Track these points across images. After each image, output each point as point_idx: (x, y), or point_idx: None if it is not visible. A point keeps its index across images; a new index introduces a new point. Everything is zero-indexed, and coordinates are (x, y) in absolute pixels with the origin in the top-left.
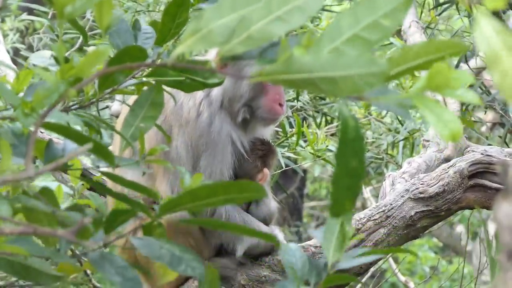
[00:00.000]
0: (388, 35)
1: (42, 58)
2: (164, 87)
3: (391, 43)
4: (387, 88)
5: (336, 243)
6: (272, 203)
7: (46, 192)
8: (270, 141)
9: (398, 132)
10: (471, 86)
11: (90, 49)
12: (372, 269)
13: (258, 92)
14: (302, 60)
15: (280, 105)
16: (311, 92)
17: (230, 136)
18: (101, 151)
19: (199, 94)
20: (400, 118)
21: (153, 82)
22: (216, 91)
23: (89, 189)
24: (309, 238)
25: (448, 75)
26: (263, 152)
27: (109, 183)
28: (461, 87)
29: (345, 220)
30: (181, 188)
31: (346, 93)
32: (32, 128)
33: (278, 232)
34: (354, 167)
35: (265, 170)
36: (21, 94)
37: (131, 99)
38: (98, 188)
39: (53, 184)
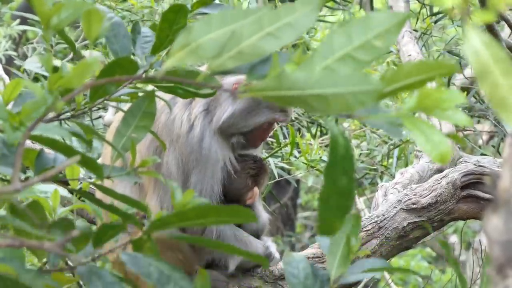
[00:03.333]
0: (380, 55)
1: (35, 63)
2: (161, 94)
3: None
4: (378, 106)
5: (341, 256)
6: (263, 215)
7: (34, 206)
8: (262, 160)
9: (393, 144)
10: (466, 93)
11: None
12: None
13: (260, 126)
14: (293, 77)
15: (261, 141)
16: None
17: (220, 153)
18: (89, 164)
19: (197, 108)
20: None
21: (147, 89)
22: (224, 115)
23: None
24: (303, 248)
25: (438, 96)
26: (254, 171)
27: (99, 194)
28: (451, 108)
29: (352, 234)
30: (170, 204)
31: (337, 111)
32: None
33: (270, 244)
34: (343, 186)
35: (255, 189)
36: (11, 104)
37: (126, 107)
38: (89, 199)
39: (50, 187)
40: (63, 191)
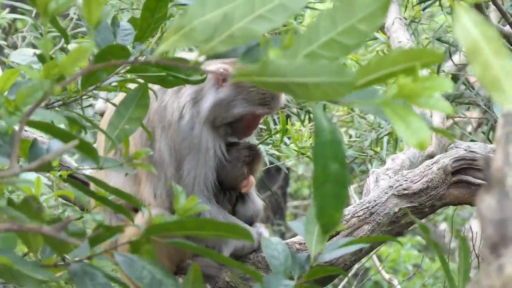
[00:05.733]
0: (364, 39)
1: (23, 56)
2: (149, 85)
3: (376, 38)
4: (366, 91)
5: (317, 234)
6: (258, 201)
7: (25, 205)
8: (256, 147)
9: (382, 128)
10: (455, 81)
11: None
12: (355, 267)
13: (241, 118)
14: (277, 64)
15: (251, 130)
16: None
17: (210, 141)
18: (86, 149)
19: (184, 97)
20: None
21: (136, 78)
22: (206, 105)
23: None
24: (293, 237)
25: (420, 84)
26: (250, 158)
27: (92, 185)
28: (435, 96)
29: None
30: (164, 191)
31: (317, 98)
32: (16, 127)
33: (263, 230)
34: (335, 172)
35: (251, 177)
36: (6, 93)
37: (116, 97)
38: (82, 191)
39: (32, 175)
40: (44, 179)
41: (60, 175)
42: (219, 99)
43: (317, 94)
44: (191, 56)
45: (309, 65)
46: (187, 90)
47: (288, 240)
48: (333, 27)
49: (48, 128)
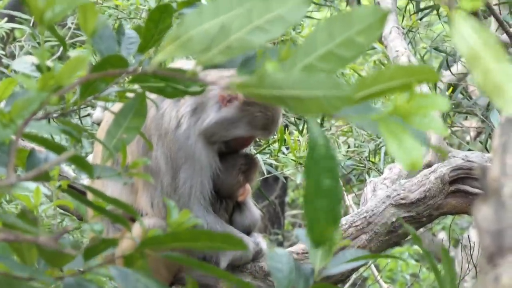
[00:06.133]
0: (362, 52)
1: (24, 64)
2: (147, 94)
3: (373, 48)
4: (364, 105)
5: (323, 248)
6: (255, 211)
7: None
8: (252, 155)
9: (380, 138)
10: (452, 91)
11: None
12: (353, 277)
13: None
14: (274, 76)
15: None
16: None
17: (204, 153)
18: (79, 162)
19: (184, 107)
20: None
21: (136, 89)
22: (207, 121)
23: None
24: (291, 246)
25: (415, 103)
26: (246, 167)
27: (89, 194)
28: (430, 115)
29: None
30: (160, 200)
31: (313, 112)
32: (13, 137)
33: (261, 240)
34: (328, 187)
35: (247, 185)
36: (3, 103)
37: (114, 106)
38: (80, 201)
39: (32, 185)
40: (44, 189)
41: (60, 185)
42: (221, 118)
43: (312, 107)
44: (189, 64)
45: (305, 79)
46: (188, 101)
47: (286, 250)
48: (331, 39)
49: (41, 141)
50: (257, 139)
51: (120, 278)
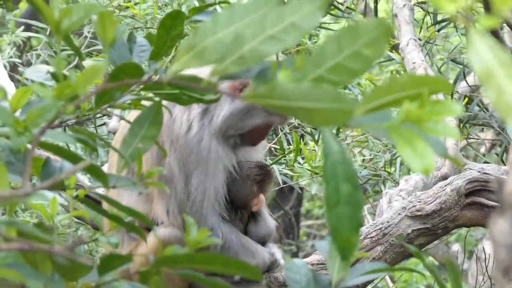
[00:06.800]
0: (370, 64)
1: (38, 72)
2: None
3: (392, 59)
4: (376, 114)
5: (341, 259)
6: (270, 221)
7: (38, 226)
8: (267, 166)
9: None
10: (468, 103)
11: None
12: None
13: (252, 127)
14: (284, 87)
15: (260, 140)
16: None
17: (220, 153)
18: (95, 172)
19: (195, 110)
20: None
21: (151, 96)
22: (221, 115)
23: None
24: (306, 257)
25: (427, 109)
26: (260, 177)
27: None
28: (442, 121)
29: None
30: (176, 207)
31: (321, 124)
32: (29, 146)
33: (276, 250)
34: (347, 193)
35: (261, 196)
36: (19, 112)
37: (130, 115)
38: (96, 210)
39: (48, 194)
40: (60, 199)
41: (77, 195)
42: (235, 109)
43: (319, 119)
44: (204, 72)
45: (312, 90)
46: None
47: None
48: (339, 51)
49: (57, 150)
50: (273, 149)
51: None
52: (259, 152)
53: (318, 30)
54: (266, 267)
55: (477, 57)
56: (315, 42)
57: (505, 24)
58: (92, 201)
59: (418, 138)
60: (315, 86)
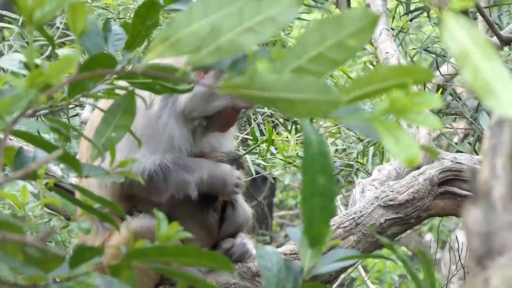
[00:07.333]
0: (353, 55)
1: (11, 61)
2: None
3: (363, 49)
4: (354, 106)
5: (313, 247)
6: (247, 209)
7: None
8: (239, 155)
9: (369, 141)
10: (442, 92)
11: (62, 52)
12: (341, 278)
13: (220, 112)
14: (265, 78)
15: (228, 126)
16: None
17: (177, 133)
18: (69, 160)
19: None
20: None
21: (125, 86)
22: (184, 96)
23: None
24: (279, 247)
25: (411, 99)
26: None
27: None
28: (424, 111)
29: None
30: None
31: (303, 115)
32: (1, 135)
33: (247, 241)
34: (323, 185)
35: None
36: None
37: (101, 104)
38: (67, 199)
39: (19, 184)
40: (31, 187)
41: (46, 184)
42: (198, 91)
43: (302, 110)
44: (179, 62)
45: (295, 81)
46: None
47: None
48: (322, 41)
49: (31, 138)
50: (245, 139)
51: (104, 287)
52: (230, 141)
53: (292, 22)
54: (240, 257)
55: (453, 38)
56: (288, 33)
57: (478, 14)
58: (63, 190)
59: (401, 129)
60: (298, 77)
